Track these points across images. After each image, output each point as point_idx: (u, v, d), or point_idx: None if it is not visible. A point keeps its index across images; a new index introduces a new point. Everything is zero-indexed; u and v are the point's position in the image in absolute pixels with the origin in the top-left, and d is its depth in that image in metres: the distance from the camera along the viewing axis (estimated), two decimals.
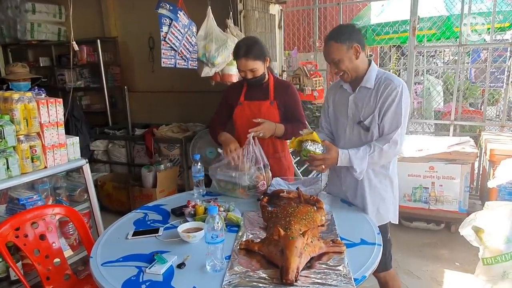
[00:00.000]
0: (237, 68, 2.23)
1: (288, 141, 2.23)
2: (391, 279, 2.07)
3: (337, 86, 2.05)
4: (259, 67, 2.17)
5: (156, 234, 1.66)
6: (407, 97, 1.85)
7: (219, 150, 2.18)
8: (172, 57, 2.96)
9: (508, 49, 4.71)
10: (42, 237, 1.91)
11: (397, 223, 2.06)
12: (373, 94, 1.87)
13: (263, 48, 2.22)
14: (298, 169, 3.43)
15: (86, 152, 3.99)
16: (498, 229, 2.38)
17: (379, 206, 1.95)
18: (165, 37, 2.87)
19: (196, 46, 3.12)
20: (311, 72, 4.69)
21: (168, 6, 2.85)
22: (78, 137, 2.47)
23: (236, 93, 2.33)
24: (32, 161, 2.17)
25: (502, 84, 6.14)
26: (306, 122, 2.32)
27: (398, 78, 1.90)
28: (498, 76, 5.99)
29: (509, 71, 4.14)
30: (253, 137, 2.06)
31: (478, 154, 3.67)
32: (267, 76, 2.27)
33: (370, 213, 1.90)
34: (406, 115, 1.86)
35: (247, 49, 2.14)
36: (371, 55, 4.37)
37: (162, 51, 2.89)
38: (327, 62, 1.91)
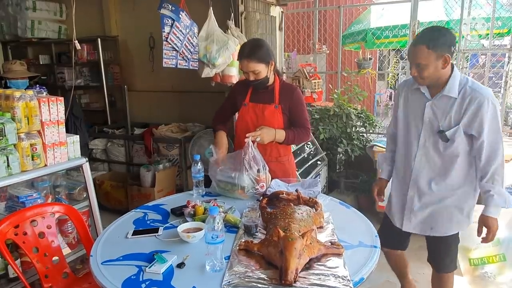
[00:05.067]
0: (240, 69, 2.22)
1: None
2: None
3: (409, 86, 1.96)
4: (262, 70, 2.15)
5: (156, 234, 1.67)
6: (498, 108, 1.77)
7: (212, 148, 2.20)
8: (174, 58, 2.97)
9: (506, 55, 4.74)
10: (41, 235, 1.92)
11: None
12: (456, 104, 1.79)
13: (269, 51, 2.18)
14: (297, 171, 3.44)
15: (84, 150, 3.99)
16: None
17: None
18: (167, 38, 2.88)
19: (197, 47, 3.13)
20: (311, 74, 4.71)
21: (170, 7, 2.86)
22: (78, 136, 2.47)
23: (243, 91, 2.32)
24: (33, 159, 2.18)
25: (500, 89, 6.17)
26: (309, 127, 2.31)
27: (485, 88, 1.80)
28: (496, 81, 6.02)
29: (507, 77, 4.18)
30: (252, 141, 2.06)
31: None
32: (272, 79, 2.25)
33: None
34: (501, 127, 1.80)
35: (251, 51, 2.13)
36: (370, 59, 4.38)
37: (164, 51, 2.90)
38: (409, 61, 1.84)
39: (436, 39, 1.71)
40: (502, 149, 1.78)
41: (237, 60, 2.24)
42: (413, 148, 1.96)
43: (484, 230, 1.84)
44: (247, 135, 2.06)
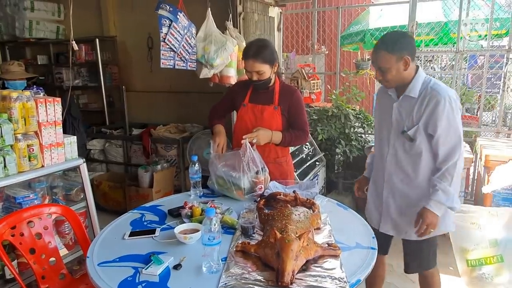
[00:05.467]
0: (244, 68, 2.22)
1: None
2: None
3: (383, 91, 2.02)
4: (266, 71, 2.16)
5: (153, 235, 1.67)
6: (456, 109, 1.77)
7: (210, 142, 2.21)
8: (171, 58, 2.96)
9: (505, 56, 4.75)
10: (38, 236, 1.92)
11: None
12: (417, 104, 1.81)
13: (274, 53, 2.20)
14: (295, 172, 3.44)
15: (82, 151, 3.99)
16: (487, 232, 2.43)
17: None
18: (164, 38, 2.87)
19: (195, 48, 3.12)
20: (309, 74, 4.71)
21: (168, 8, 2.85)
22: (75, 137, 2.47)
23: (243, 91, 2.32)
24: (29, 160, 2.17)
25: (498, 90, 6.19)
26: (308, 130, 2.31)
27: (445, 88, 1.80)
28: (494, 82, 6.03)
29: (505, 77, 4.19)
30: (250, 143, 2.05)
31: (474, 160, 3.70)
32: (273, 80, 2.26)
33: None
34: (460, 128, 1.78)
35: (257, 51, 2.13)
36: (369, 60, 4.39)
37: (161, 52, 2.89)
38: (373, 66, 1.88)
39: (393, 43, 1.77)
40: (460, 150, 1.77)
41: (242, 59, 2.24)
42: (384, 149, 1.99)
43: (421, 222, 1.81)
44: (243, 136, 2.06)
